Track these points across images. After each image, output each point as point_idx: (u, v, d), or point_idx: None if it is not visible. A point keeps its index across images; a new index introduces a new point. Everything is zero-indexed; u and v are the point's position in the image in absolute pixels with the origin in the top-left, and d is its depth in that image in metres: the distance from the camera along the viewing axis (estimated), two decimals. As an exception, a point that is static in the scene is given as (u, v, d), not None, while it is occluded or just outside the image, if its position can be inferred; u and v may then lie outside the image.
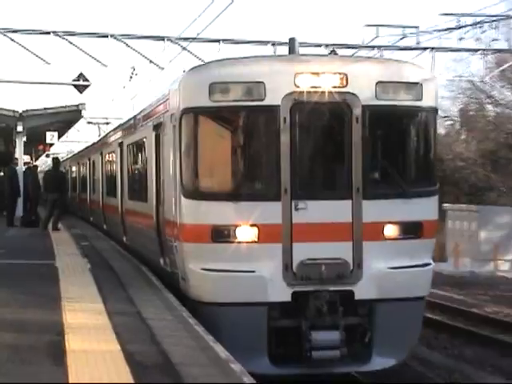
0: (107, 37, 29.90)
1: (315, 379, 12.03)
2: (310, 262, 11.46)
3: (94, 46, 30.86)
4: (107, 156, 27.15)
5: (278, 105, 11.51)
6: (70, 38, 29.81)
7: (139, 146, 18.96)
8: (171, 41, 29.98)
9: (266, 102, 11.58)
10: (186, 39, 29.67)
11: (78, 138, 56.16)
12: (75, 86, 28.51)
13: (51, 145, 43.41)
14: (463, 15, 31.62)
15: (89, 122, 51.99)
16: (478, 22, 30.77)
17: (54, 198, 27.78)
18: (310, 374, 11.79)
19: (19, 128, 31.58)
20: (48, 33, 29.60)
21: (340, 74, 11.67)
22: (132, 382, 8.22)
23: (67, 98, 33.97)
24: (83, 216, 37.11)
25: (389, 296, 11.64)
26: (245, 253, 11.61)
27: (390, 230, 11.82)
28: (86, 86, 28.56)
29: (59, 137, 40.70)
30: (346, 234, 11.62)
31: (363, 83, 11.83)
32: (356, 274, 11.57)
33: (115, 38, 29.93)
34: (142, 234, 18.15)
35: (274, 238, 11.49)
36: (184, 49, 29.97)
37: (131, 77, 32.08)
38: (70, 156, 53.02)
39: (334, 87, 11.63)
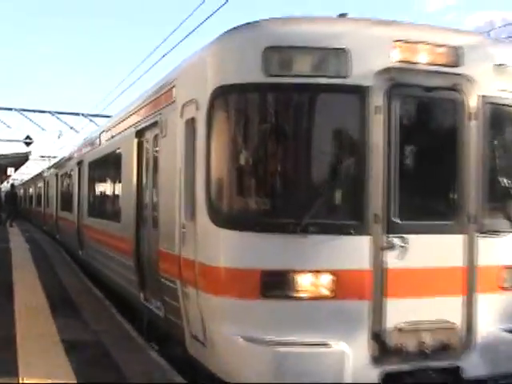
0: (45, 112, 36.06)
1: None
2: (408, 327, 6.14)
3: (39, 118, 36.32)
4: (63, 176, 23.08)
5: (367, 86, 6.13)
6: (24, 113, 35.45)
7: (107, 161, 13.01)
8: (84, 115, 36.29)
9: (349, 81, 6.10)
10: (92, 115, 36.02)
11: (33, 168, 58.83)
12: (25, 142, 33.93)
13: (9, 176, 48.69)
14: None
15: (42, 156, 53.89)
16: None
17: (10, 208, 35.26)
18: None
19: (-10, 165, 36.78)
20: (10, 109, 35.16)
21: (455, 47, 6.38)
22: (45, 297, 11.36)
23: (20, 147, 37.65)
24: (36, 223, 37.72)
25: (505, 371, 6.49)
26: (312, 315, 6.05)
27: (509, 277, 6.58)
28: (30, 143, 33.50)
29: (15, 170, 45.24)
30: (456, 284, 6.31)
31: (480, 64, 6.50)
32: (466, 343, 6.32)
33: (51, 113, 36.00)
34: (105, 255, 12.68)
35: (357, 291, 6.08)
36: (91, 120, 35.90)
37: (59, 136, 38.88)
38: (28, 180, 53.66)
39: (446, 66, 6.36)
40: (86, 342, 8.66)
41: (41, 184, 36.40)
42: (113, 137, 12.62)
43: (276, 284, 6.00)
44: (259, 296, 6.01)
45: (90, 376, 7.02)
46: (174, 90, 7.98)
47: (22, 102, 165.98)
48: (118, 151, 11.80)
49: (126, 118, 11.25)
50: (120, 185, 11.59)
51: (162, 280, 8.11)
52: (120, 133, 11.75)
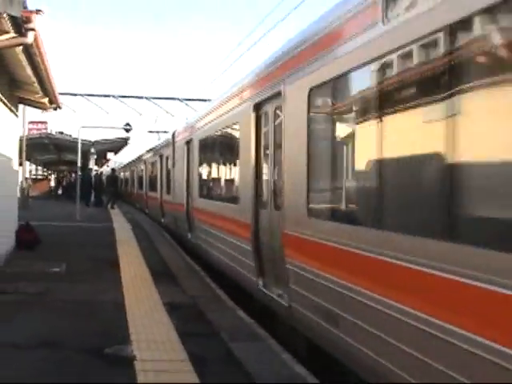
0: (142, 98, 38.01)
1: None
2: None
3: (135, 103, 38.33)
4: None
5: None
6: (121, 99, 37.68)
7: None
8: (179, 100, 38.02)
9: None
10: (188, 99, 37.88)
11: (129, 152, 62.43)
12: (124, 129, 34.85)
13: (109, 160, 49.47)
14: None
15: (149, 132, 53.31)
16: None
17: (111, 190, 37.69)
18: None
19: (92, 150, 38.23)
20: (108, 96, 37.42)
21: None
22: (148, 269, 12.96)
23: (119, 133, 38.82)
24: (137, 206, 38.42)
25: None
26: None
27: None
28: (130, 129, 34.69)
29: (115, 154, 46.64)
30: None
31: None
32: None
33: (147, 98, 38.00)
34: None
35: None
36: (186, 105, 37.93)
37: (155, 120, 40.88)
38: (127, 163, 52.83)
39: None
40: (183, 304, 10.10)
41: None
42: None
43: None
44: None
45: (188, 329, 8.35)
46: None
47: (119, 88, 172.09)
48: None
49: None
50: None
51: None
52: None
